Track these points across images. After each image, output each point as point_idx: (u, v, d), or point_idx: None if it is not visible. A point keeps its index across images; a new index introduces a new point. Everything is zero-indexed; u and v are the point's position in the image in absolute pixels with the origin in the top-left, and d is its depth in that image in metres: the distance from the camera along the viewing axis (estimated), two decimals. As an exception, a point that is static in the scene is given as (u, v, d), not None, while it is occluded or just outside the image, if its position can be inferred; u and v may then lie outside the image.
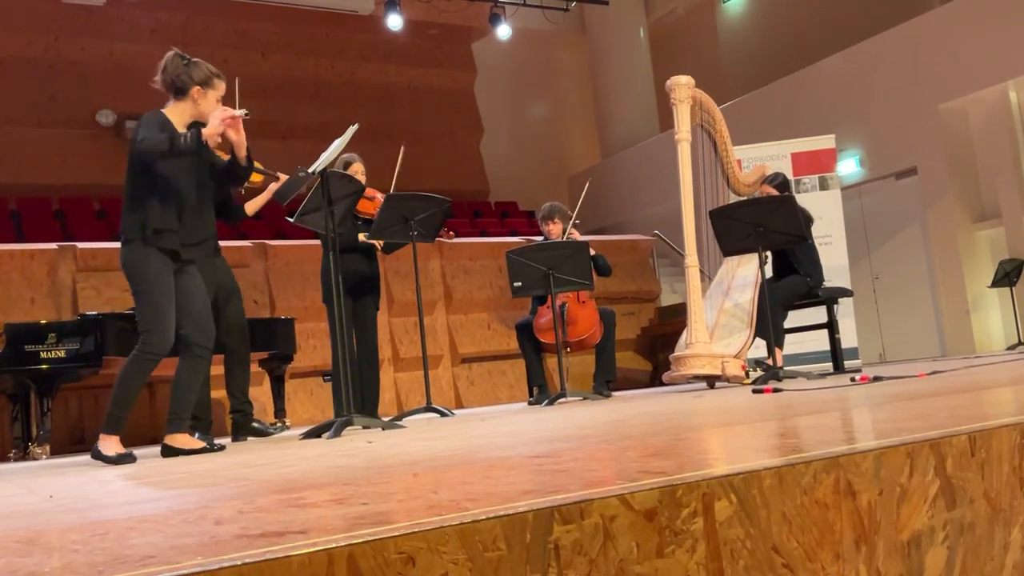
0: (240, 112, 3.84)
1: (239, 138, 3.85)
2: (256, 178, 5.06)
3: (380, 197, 5.34)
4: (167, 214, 3.77)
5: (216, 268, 4.89)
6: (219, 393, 5.76)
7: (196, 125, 3.82)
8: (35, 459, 5.44)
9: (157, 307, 3.76)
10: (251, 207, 5.17)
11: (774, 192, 5.88)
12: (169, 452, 3.79)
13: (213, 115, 3.80)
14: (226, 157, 4.73)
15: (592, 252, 5.86)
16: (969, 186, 9.60)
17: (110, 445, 3.72)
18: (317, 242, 6.58)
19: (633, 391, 7.82)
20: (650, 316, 9.74)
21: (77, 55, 11.50)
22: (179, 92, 3.84)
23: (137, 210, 3.75)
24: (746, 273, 5.90)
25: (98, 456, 3.71)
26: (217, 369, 5.13)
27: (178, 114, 3.84)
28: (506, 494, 1.21)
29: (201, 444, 3.85)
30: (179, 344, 3.86)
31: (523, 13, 12.95)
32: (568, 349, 5.99)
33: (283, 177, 5.06)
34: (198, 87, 3.84)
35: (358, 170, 5.14)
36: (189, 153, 3.71)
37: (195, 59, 3.91)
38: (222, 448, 3.98)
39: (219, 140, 3.86)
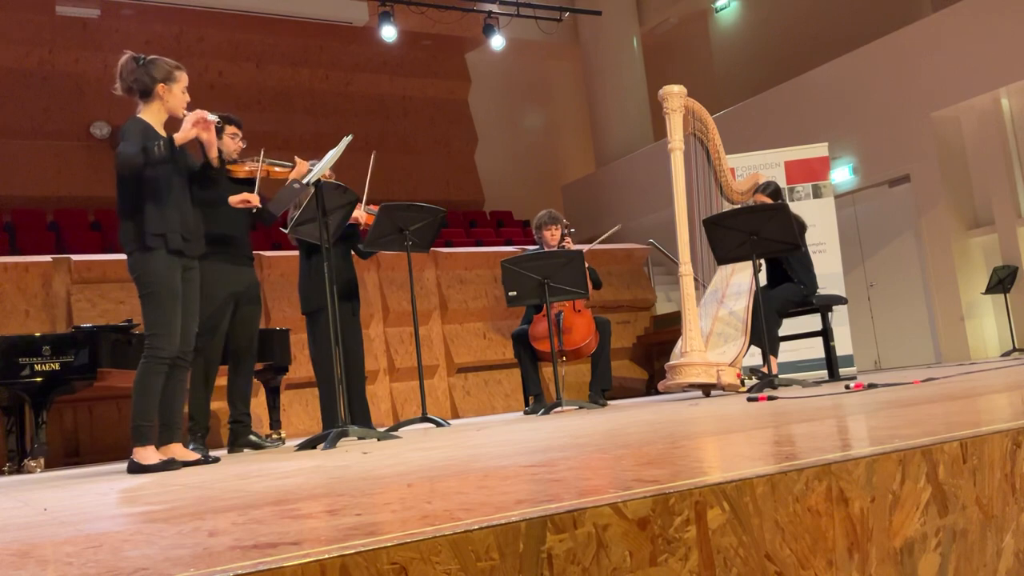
0: (212, 117, 3.89)
1: (210, 137, 3.89)
2: (281, 171, 5.11)
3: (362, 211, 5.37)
4: (164, 217, 3.75)
5: (246, 276, 5.01)
6: (217, 404, 5.75)
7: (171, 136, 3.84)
8: (30, 472, 5.42)
9: (164, 310, 3.73)
10: None
11: (768, 201, 5.90)
12: (135, 468, 3.65)
13: (186, 119, 3.83)
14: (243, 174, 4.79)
15: (586, 264, 5.89)
16: (962, 193, 9.64)
17: (147, 455, 3.66)
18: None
19: (629, 400, 7.81)
20: (645, 325, 9.74)
21: (71, 67, 11.52)
22: (145, 94, 3.83)
23: (133, 219, 3.74)
24: (740, 281, 5.91)
25: (137, 469, 3.62)
26: (220, 380, 5.13)
27: (152, 115, 3.82)
28: (500, 503, 1.21)
29: (159, 459, 3.69)
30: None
31: (517, 24, 12.99)
32: (564, 358, 5.99)
33: (300, 162, 5.08)
34: (161, 84, 3.82)
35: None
36: (164, 162, 3.72)
37: (150, 57, 3.87)
38: (216, 460, 3.97)
39: (211, 141, 3.90)
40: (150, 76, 3.81)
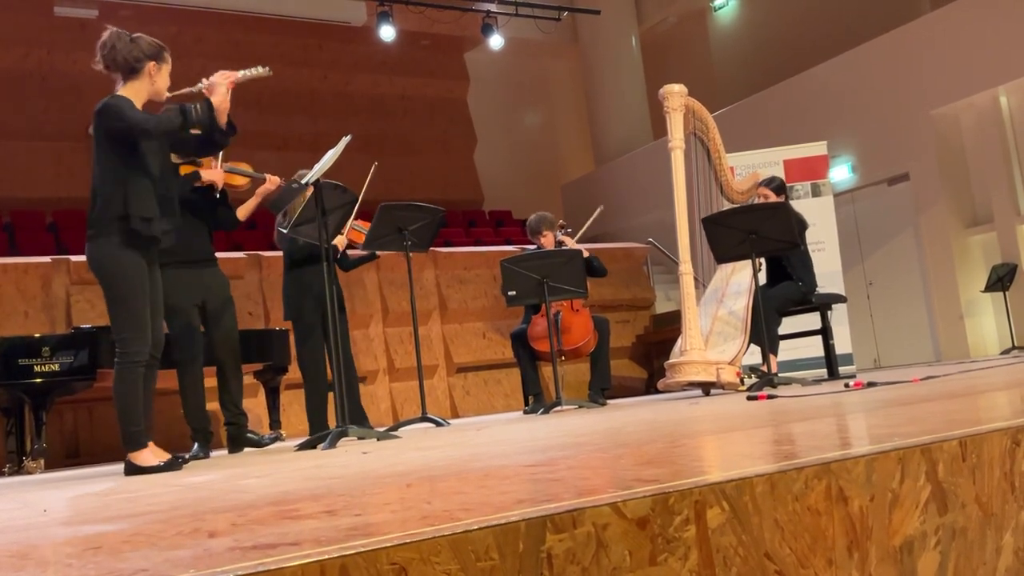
0: (252, 71, 3.65)
1: (224, 102, 3.66)
2: (240, 180, 5.04)
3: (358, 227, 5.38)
4: (146, 201, 3.59)
5: (209, 277, 4.89)
6: (212, 405, 5.75)
7: (205, 102, 3.62)
8: (29, 473, 5.41)
9: (135, 312, 3.60)
10: (242, 212, 5.14)
11: (772, 195, 5.90)
12: (133, 470, 3.60)
13: (216, 82, 3.61)
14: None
15: (586, 254, 5.92)
16: (961, 191, 9.64)
17: (146, 457, 3.58)
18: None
19: (628, 399, 7.81)
20: (645, 324, 9.74)
21: (70, 68, 11.50)
22: (132, 71, 3.63)
23: (115, 199, 3.55)
24: (740, 280, 5.91)
25: (136, 471, 3.55)
26: (210, 382, 5.12)
27: (134, 94, 3.62)
28: (500, 503, 1.22)
29: (167, 457, 3.65)
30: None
31: (515, 23, 12.98)
32: (563, 357, 5.99)
33: (270, 177, 5.06)
34: (153, 62, 3.64)
35: None
36: (200, 126, 3.57)
37: (136, 34, 3.70)
38: (205, 456, 3.94)
39: (226, 107, 3.66)
40: (142, 52, 3.63)
